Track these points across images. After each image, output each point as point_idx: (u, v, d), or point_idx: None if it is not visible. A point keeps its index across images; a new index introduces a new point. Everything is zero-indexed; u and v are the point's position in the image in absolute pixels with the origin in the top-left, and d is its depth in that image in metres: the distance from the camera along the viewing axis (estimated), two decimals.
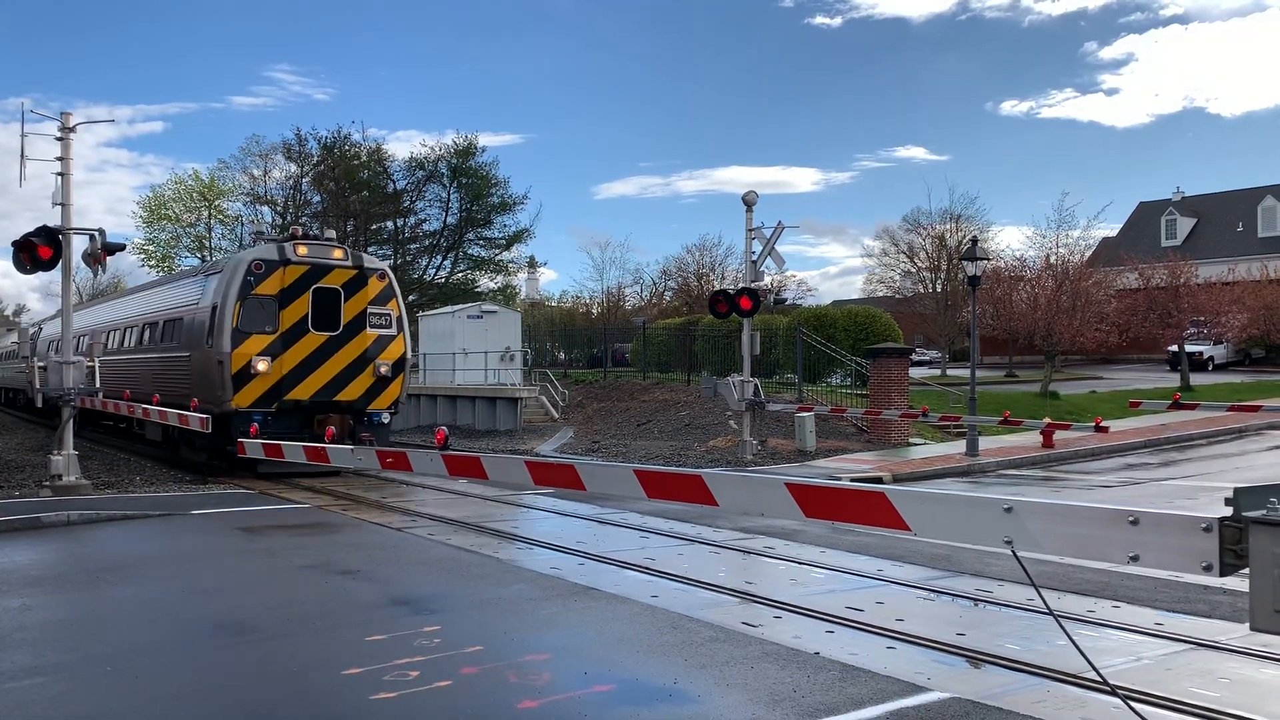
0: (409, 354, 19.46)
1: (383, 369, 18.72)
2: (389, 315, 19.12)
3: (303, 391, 18.00)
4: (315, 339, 18.18)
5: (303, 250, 18.36)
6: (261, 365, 17.52)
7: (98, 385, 16.92)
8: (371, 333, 18.73)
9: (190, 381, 18.83)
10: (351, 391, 18.48)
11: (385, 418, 18.97)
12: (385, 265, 19.75)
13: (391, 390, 18.99)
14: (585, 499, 14.36)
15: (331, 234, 21.07)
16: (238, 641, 7.40)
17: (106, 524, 13.08)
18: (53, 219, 15.87)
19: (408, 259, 56.91)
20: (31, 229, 15.67)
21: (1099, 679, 5.57)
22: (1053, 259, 38.99)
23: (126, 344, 24.67)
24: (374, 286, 18.89)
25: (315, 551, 11.10)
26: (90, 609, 8.64)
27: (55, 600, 8.86)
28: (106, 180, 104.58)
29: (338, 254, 18.81)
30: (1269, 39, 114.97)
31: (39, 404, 17.00)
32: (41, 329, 36.55)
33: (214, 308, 17.99)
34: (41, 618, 8.18)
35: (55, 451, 16.11)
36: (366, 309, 18.71)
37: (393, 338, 19.06)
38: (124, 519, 13.34)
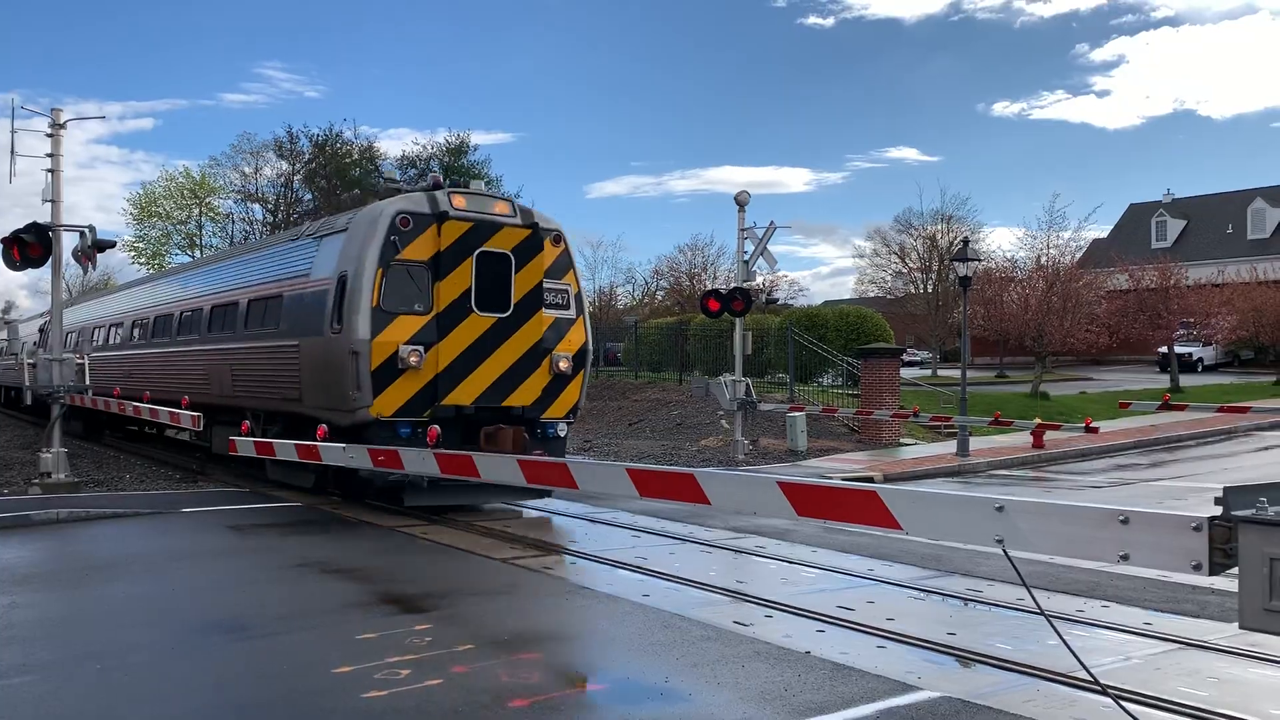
0: (590, 343, 14.87)
1: (561, 364, 14.03)
2: (566, 291, 14.44)
3: (464, 394, 13.13)
4: (479, 323, 13.30)
5: (461, 202, 13.54)
6: (413, 358, 12.79)
7: (88, 382, 16.85)
8: (548, 315, 13.96)
9: (297, 380, 14.22)
10: (524, 395, 13.61)
11: (562, 429, 14.22)
12: (560, 225, 14.71)
13: (570, 393, 14.28)
14: (577, 498, 14.36)
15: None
16: (227, 640, 7.38)
17: (96, 522, 13.04)
18: (42, 215, 15.80)
19: None
20: (21, 225, 15.62)
21: (1089, 678, 5.59)
22: (1043, 260, 39.15)
23: (185, 333, 19.53)
24: (549, 253, 14.04)
25: (306, 550, 11.08)
26: (80, 607, 8.61)
27: (44, 598, 8.83)
28: (96, 177, 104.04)
29: (502, 208, 13.94)
30: (1259, 41, 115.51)
31: (28, 401, 16.93)
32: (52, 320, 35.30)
33: (341, 279, 13.19)
34: (30, 615, 8.14)
35: (44, 449, 16.04)
36: (542, 282, 13.87)
37: (571, 322, 14.42)
38: (114, 517, 13.30)
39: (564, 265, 14.44)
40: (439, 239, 13.13)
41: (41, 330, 30.21)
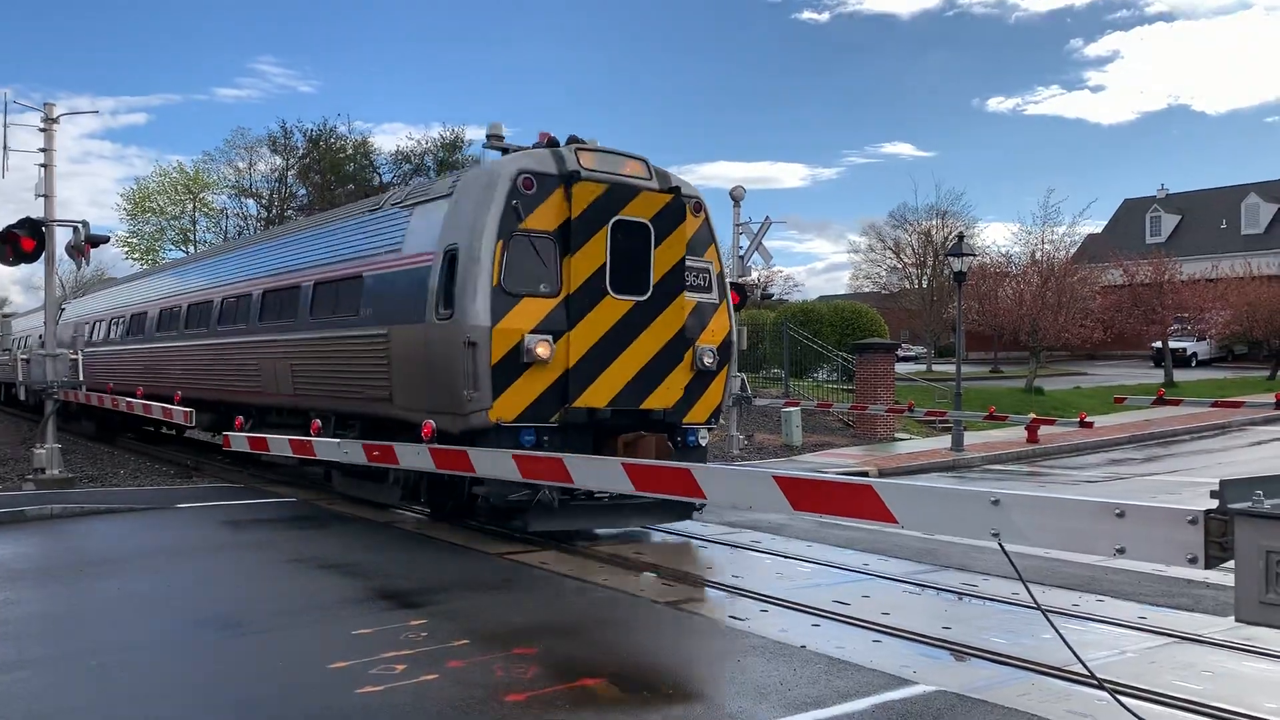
0: (735, 333, 12.65)
1: (706, 358, 11.76)
2: (707, 271, 12.15)
3: (598, 395, 10.87)
4: (615, 308, 11.00)
5: (591, 160, 11.30)
6: (541, 349, 10.51)
7: (81, 378, 16.80)
8: (690, 299, 11.69)
9: (385, 376, 11.90)
10: (664, 395, 11.32)
11: (703, 437, 12.04)
12: (699, 191, 12.38)
13: (713, 393, 12.02)
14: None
15: None
16: (222, 636, 7.37)
17: (90, 518, 13.00)
18: (35, 210, 15.81)
19: None
20: (14, 220, 15.60)
21: (1083, 672, 5.60)
22: (1038, 255, 39.22)
23: (228, 323, 16.99)
24: (690, 224, 11.77)
25: (300, 546, 11.06)
26: (74, 603, 8.59)
27: (38, 594, 8.81)
28: (89, 172, 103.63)
29: (635, 168, 11.63)
30: (1253, 37, 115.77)
31: (22, 396, 16.87)
32: (63, 309, 28.53)
33: (449, 254, 10.91)
34: (24, 611, 8.12)
35: (38, 445, 16.01)
36: (684, 259, 11.55)
37: (715, 307, 12.15)
38: (108, 513, 13.26)
39: (705, 239, 12.14)
40: (568, 205, 10.87)
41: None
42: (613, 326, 10.99)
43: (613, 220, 10.97)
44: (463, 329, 10.48)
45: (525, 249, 10.73)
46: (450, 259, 10.86)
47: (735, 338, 12.42)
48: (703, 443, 12.03)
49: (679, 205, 11.47)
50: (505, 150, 11.78)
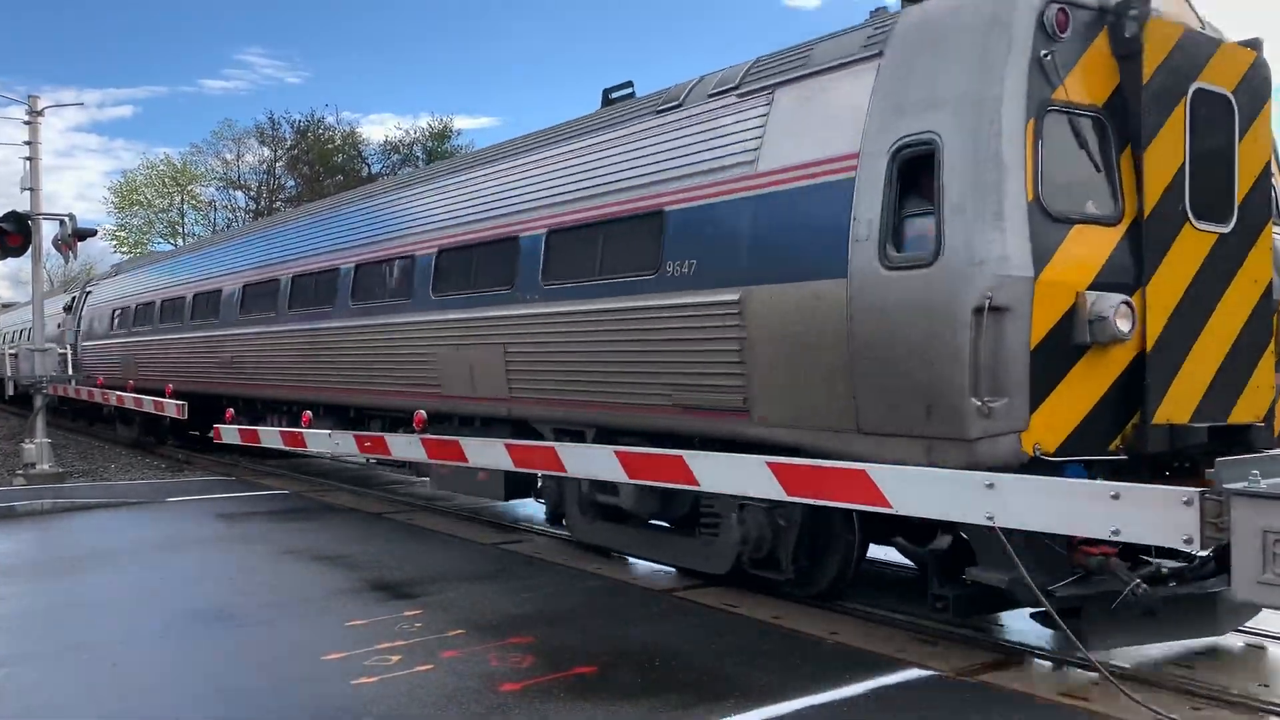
0: None
1: None
2: (1275, 187, 7.39)
3: (1180, 401, 6.20)
4: (1197, 244, 6.40)
5: None
6: (1122, 322, 5.81)
7: (70, 372, 16.71)
8: (1278, 230, 7.19)
9: (736, 373, 7.24)
10: (1254, 399, 6.69)
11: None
12: None
13: None
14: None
15: None
16: (215, 629, 7.34)
17: (82, 512, 12.95)
18: (21, 205, 15.69)
19: None
20: None
21: (1080, 657, 5.61)
22: None
23: (370, 298, 12.31)
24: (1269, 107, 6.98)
25: (294, 538, 11.02)
26: (66, 597, 8.54)
27: (30, 589, 8.76)
28: (75, 165, 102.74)
29: (1177, 5, 6.99)
30: (1247, 24, 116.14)
31: (11, 391, 16.78)
32: (89, 292, 24.89)
33: (904, 153, 6.32)
34: (16, 606, 8.09)
35: (28, 440, 15.93)
36: (1271, 164, 7.00)
37: None
38: (100, 507, 13.21)
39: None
40: (1124, 62, 6.34)
41: (66, 309, 25.20)
42: (1194, 278, 6.44)
43: (1192, 90, 6.42)
44: (969, 284, 5.84)
45: (1065, 138, 6.20)
46: (913, 161, 6.32)
47: None
48: None
49: (1264, 71, 6.87)
50: None
